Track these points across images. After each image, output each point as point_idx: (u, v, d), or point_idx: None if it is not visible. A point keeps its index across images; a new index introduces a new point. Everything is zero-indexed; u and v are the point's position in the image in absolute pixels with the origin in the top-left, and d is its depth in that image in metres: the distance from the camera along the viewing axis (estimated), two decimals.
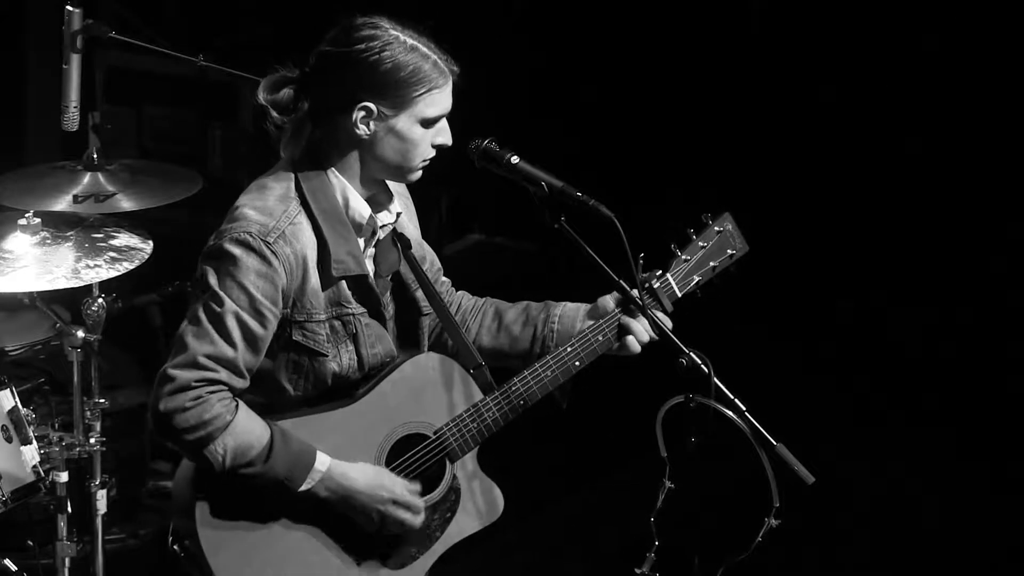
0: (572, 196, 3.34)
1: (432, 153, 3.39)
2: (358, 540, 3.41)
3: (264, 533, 3.33)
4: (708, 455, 3.35)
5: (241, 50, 6.11)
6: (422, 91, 3.31)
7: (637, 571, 3.86)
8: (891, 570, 5.35)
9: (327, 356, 3.37)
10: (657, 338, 3.51)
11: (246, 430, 3.25)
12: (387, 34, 3.32)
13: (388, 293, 3.49)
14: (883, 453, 5.96)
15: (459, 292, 3.75)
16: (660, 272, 3.60)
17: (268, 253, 3.26)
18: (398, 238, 3.50)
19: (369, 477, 3.35)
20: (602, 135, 6.80)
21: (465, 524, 3.50)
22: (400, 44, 3.31)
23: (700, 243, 3.64)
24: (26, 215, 4.37)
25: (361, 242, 3.40)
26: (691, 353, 3.36)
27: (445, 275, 3.72)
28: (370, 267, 3.43)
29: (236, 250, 3.25)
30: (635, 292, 3.46)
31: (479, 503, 3.50)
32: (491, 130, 3.47)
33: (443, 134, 3.38)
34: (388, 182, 3.46)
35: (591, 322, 3.57)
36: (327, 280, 3.35)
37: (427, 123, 3.34)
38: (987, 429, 6.00)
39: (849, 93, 6.44)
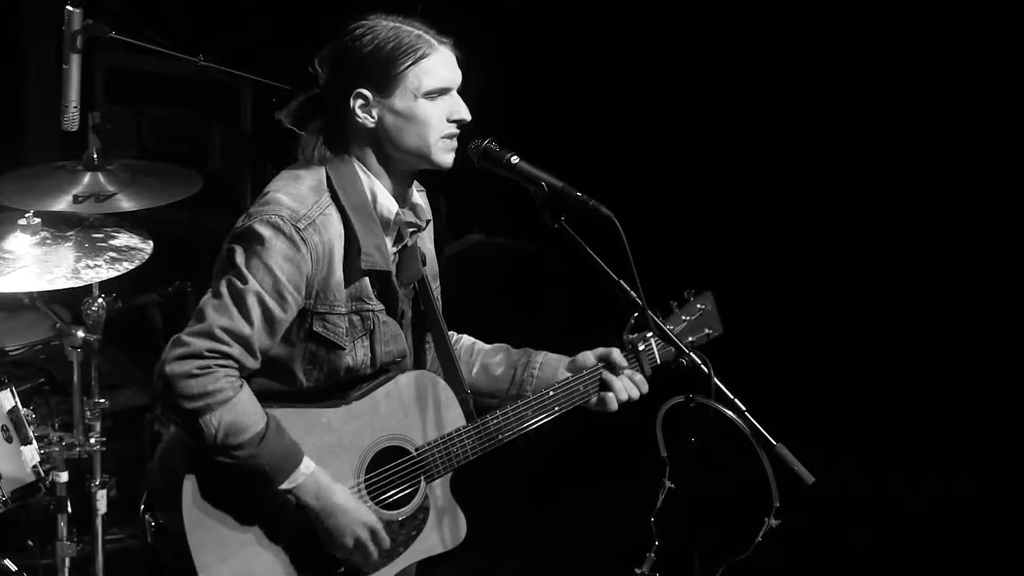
0: (572, 196, 3.33)
1: (451, 129, 3.36)
2: (322, 549, 3.41)
3: (238, 523, 3.33)
4: (708, 455, 3.35)
5: (241, 50, 6.11)
6: (408, 62, 3.31)
7: (637, 571, 3.86)
8: (891, 570, 5.34)
9: (344, 349, 3.38)
10: (636, 399, 3.59)
11: (245, 411, 3.25)
12: (371, 22, 3.35)
13: (409, 301, 3.51)
14: (883, 453, 5.96)
15: None
16: (649, 335, 3.63)
17: (297, 239, 3.27)
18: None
19: (352, 500, 3.36)
20: (602, 135, 6.80)
21: (430, 544, 3.52)
22: (382, 27, 3.33)
23: (683, 316, 3.70)
24: (26, 215, 4.38)
25: (388, 241, 3.41)
26: (691, 353, 3.36)
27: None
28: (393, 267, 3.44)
29: (266, 232, 3.26)
30: (634, 293, 3.46)
31: (444, 526, 3.53)
32: (491, 130, 3.47)
33: (457, 108, 3.37)
34: (416, 193, 3.46)
35: (570, 374, 3.60)
36: (351, 274, 3.36)
37: (428, 95, 3.33)
38: (987, 429, 6.00)
39: (848, 94, 6.44)
